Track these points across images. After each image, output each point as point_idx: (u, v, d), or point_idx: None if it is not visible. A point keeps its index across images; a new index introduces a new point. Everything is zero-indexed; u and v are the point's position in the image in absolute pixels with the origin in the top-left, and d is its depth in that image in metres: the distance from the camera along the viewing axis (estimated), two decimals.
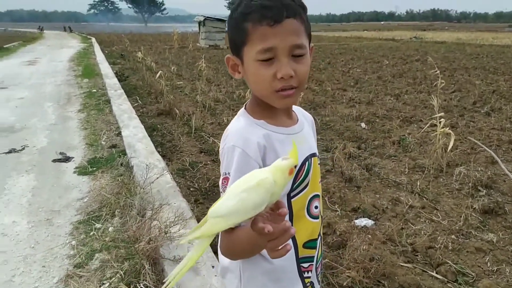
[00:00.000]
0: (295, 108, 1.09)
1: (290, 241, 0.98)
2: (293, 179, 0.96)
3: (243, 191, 0.70)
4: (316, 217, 1.05)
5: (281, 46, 0.86)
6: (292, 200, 0.98)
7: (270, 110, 0.96)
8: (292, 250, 1.00)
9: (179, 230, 2.24)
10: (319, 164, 1.08)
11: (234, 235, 0.80)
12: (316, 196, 1.04)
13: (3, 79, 9.62)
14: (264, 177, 0.70)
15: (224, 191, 0.90)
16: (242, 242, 0.81)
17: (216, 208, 0.73)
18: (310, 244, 1.04)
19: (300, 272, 1.03)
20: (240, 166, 0.88)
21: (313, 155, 1.04)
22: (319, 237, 1.09)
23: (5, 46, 20.86)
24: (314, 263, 1.07)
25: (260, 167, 0.90)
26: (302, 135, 1.02)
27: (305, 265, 1.04)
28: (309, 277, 1.06)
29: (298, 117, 1.06)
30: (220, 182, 0.93)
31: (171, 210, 2.54)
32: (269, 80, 0.89)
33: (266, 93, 0.92)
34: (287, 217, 0.96)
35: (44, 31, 48.98)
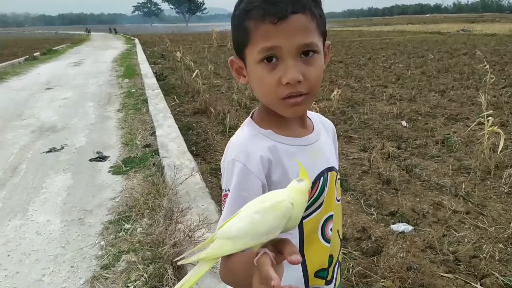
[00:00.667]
0: (313, 115, 0.98)
1: (299, 269, 0.87)
2: None
3: (257, 213, 0.62)
4: (330, 241, 0.92)
5: (287, 46, 0.75)
6: (303, 221, 0.87)
7: (280, 118, 0.85)
8: (302, 280, 0.88)
9: (203, 234, 2.19)
10: (339, 179, 0.95)
11: (231, 262, 0.71)
12: (331, 217, 0.92)
13: (50, 80, 10.11)
14: (281, 199, 0.62)
15: (224, 208, 0.82)
16: (238, 272, 0.72)
17: (226, 228, 0.65)
18: (323, 273, 0.91)
19: None
20: (240, 182, 0.79)
21: (330, 169, 0.91)
22: (337, 264, 0.96)
23: (54, 48, 22.00)
24: None
25: (263, 185, 0.81)
26: (317, 146, 0.90)
27: None
28: None
29: (314, 126, 0.94)
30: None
31: (197, 213, 2.49)
32: (274, 86, 0.78)
33: (271, 101, 0.82)
34: (296, 241, 0.86)
35: (91, 33, 51.19)
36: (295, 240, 0.85)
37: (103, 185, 3.48)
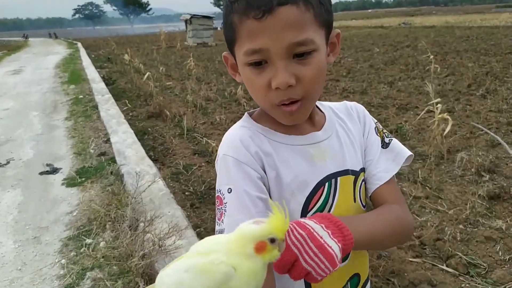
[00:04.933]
0: (327, 106, 0.86)
1: None
2: (303, 205, 0.73)
3: (187, 270, 0.48)
4: (345, 258, 0.78)
5: (275, 47, 0.64)
6: None
7: None
8: None
9: (174, 242, 2.11)
10: (363, 181, 0.82)
11: None
12: None
13: None
14: (217, 260, 0.48)
15: (218, 217, 0.70)
16: None
17: (162, 276, 0.52)
18: None
19: None
20: (234, 177, 0.69)
21: (344, 172, 0.78)
22: (367, 282, 0.86)
23: None
24: None
25: (261, 177, 0.71)
26: (326, 145, 0.78)
27: None
28: None
29: (326, 121, 0.81)
30: None
31: (165, 220, 2.40)
32: (264, 91, 0.68)
33: (265, 106, 0.73)
34: None
35: (29, 38, 48.38)
36: None
37: (58, 199, 3.26)
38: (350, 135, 0.83)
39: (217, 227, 0.70)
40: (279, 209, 0.48)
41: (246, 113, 0.81)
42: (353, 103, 0.90)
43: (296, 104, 0.69)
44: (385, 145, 0.86)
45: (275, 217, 0.48)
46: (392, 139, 0.88)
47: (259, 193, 0.69)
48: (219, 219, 0.69)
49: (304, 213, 0.74)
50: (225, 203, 0.69)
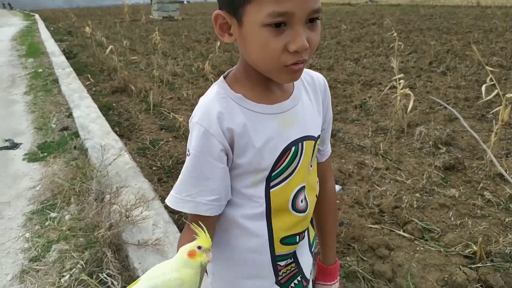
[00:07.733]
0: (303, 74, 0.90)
1: (263, 236, 0.87)
2: (272, 166, 0.82)
3: None
4: (302, 211, 0.89)
5: (299, 13, 0.67)
6: (270, 190, 0.84)
7: (256, 82, 0.81)
8: (266, 247, 0.88)
9: (141, 213, 2.12)
10: (317, 147, 0.92)
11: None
12: (303, 188, 0.89)
13: None
14: (172, 278, 0.63)
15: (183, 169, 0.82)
16: None
17: None
18: (292, 239, 0.91)
19: (276, 271, 0.92)
20: (202, 147, 0.78)
21: (307, 138, 0.86)
22: (306, 231, 0.96)
23: None
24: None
25: (225, 149, 0.78)
26: (291, 113, 0.83)
27: (282, 263, 0.92)
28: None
29: (294, 89, 0.86)
30: None
31: (132, 192, 2.39)
32: (278, 53, 0.70)
33: (272, 67, 0.74)
34: (262, 209, 0.84)
35: None
36: (261, 209, 0.85)
37: (19, 175, 3.17)
38: (313, 103, 0.90)
39: None
40: (203, 231, 0.66)
41: (221, 77, 0.84)
42: (319, 76, 0.96)
43: (303, 64, 0.74)
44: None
45: (201, 235, 0.66)
46: None
47: (219, 162, 0.78)
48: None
49: (271, 172, 0.83)
50: (185, 164, 0.80)
